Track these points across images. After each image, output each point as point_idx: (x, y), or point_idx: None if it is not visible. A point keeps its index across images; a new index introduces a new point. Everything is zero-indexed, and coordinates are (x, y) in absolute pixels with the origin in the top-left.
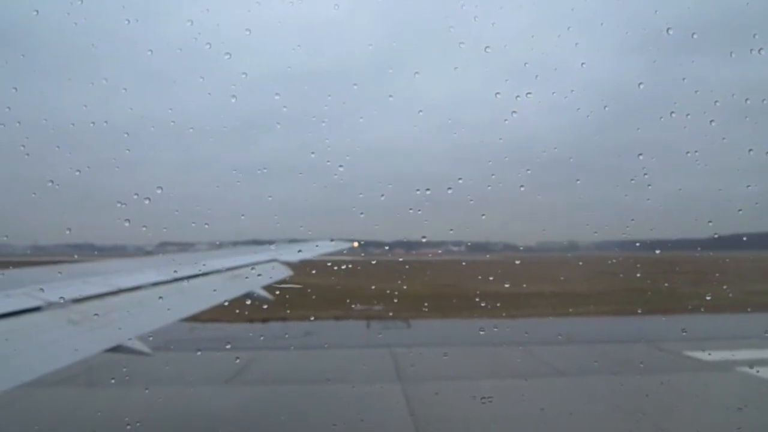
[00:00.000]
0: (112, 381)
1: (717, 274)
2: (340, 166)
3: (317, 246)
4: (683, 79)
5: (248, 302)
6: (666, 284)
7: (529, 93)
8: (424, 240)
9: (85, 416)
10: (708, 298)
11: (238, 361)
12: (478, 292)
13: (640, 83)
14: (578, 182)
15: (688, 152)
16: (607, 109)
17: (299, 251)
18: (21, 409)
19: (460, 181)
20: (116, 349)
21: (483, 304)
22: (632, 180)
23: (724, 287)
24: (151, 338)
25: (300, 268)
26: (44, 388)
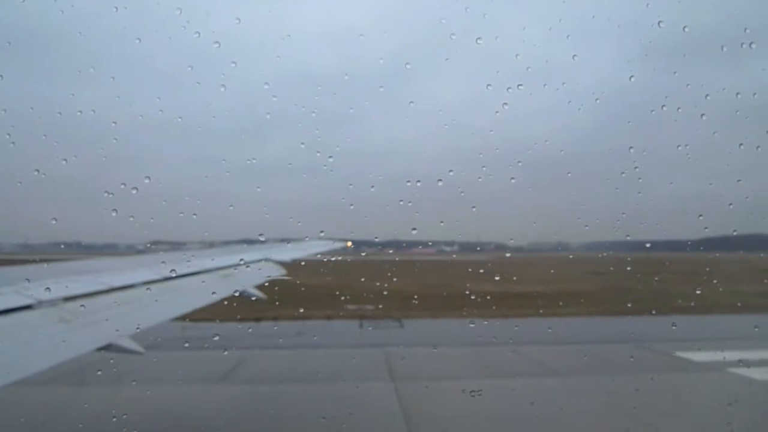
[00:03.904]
0: (104, 379)
1: (707, 275)
2: (330, 157)
3: (310, 245)
4: (674, 72)
5: (240, 301)
6: (656, 284)
7: (521, 85)
8: (416, 239)
9: (76, 414)
10: (698, 295)
11: (230, 360)
12: (469, 292)
13: (631, 76)
14: (569, 175)
15: (678, 146)
16: (598, 102)
17: (292, 250)
18: (12, 407)
19: (451, 174)
20: (108, 347)
21: (474, 304)
22: (623, 173)
23: (714, 287)
24: (142, 337)
25: (292, 266)
26: (35, 387)
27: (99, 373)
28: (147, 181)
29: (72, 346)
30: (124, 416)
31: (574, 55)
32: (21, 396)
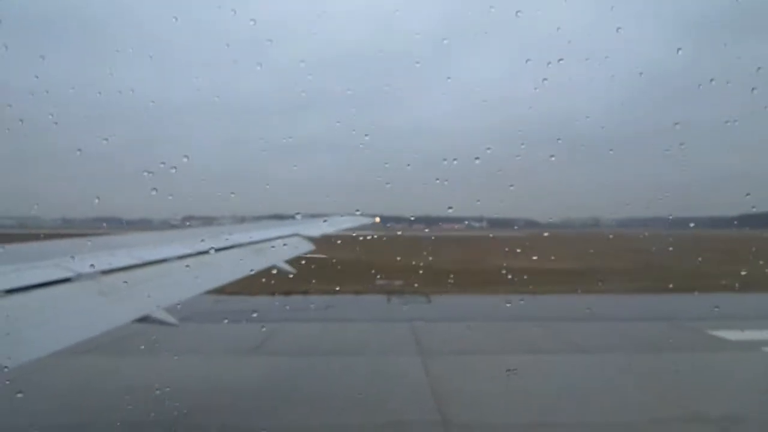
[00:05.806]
0: (141, 349)
1: (747, 253)
2: (366, 135)
3: (339, 220)
4: (724, 45)
5: (271, 275)
6: (692, 262)
7: (561, 59)
8: (446, 215)
9: (115, 383)
10: (735, 274)
11: (261, 332)
12: (498, 268)
13: (679, 49)
14: (611, 152)
15: (727, 121)
16: (642, 76)
17: (321, 226)
18: (53, 377)
19: (489, 151)
20: (144, 319)
21: (504, 280)
22: (666, 150)
23: (753, 265)
24: (177, 309)
25: (322, 242)
26: (75, 357)
27: (136, 344)
28: (185, 159)
29: (110, 318)
30: (161, 385)
31: (618, 28)
32: (62, 366)
